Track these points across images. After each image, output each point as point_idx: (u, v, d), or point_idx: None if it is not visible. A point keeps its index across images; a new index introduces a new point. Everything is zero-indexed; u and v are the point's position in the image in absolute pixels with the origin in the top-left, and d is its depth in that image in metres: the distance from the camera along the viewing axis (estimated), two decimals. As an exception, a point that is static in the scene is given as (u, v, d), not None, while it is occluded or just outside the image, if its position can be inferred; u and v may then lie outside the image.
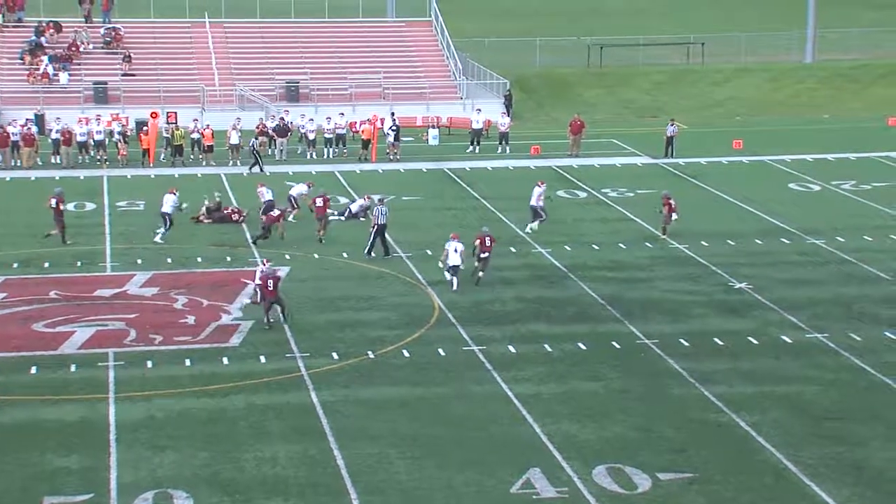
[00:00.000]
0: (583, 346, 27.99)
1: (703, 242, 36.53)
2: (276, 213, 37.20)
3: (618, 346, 28.00)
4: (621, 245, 36.52)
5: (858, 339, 28.30)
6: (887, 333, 28.63)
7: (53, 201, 36.55)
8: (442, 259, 32.62)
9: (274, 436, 23.22)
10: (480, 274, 32.71)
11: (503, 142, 50.77)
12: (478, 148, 50.52)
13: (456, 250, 32.30)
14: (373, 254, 35.12)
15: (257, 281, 30.03)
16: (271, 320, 29.42)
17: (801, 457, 22.22)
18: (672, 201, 37.66)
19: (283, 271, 32.42)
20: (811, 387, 25.56)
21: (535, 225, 37.86)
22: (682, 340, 28.30)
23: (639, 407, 24.59)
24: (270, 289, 29.31)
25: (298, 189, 40.24)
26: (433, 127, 53.49)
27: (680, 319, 29.86)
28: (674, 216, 37.22)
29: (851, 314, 30.10)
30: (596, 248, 36.28)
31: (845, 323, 29.41)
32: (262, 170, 46.24)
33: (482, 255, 32.67)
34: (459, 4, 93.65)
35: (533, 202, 37.92)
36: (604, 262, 34.88)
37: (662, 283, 32.92)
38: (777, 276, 33.32)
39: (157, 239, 36.75)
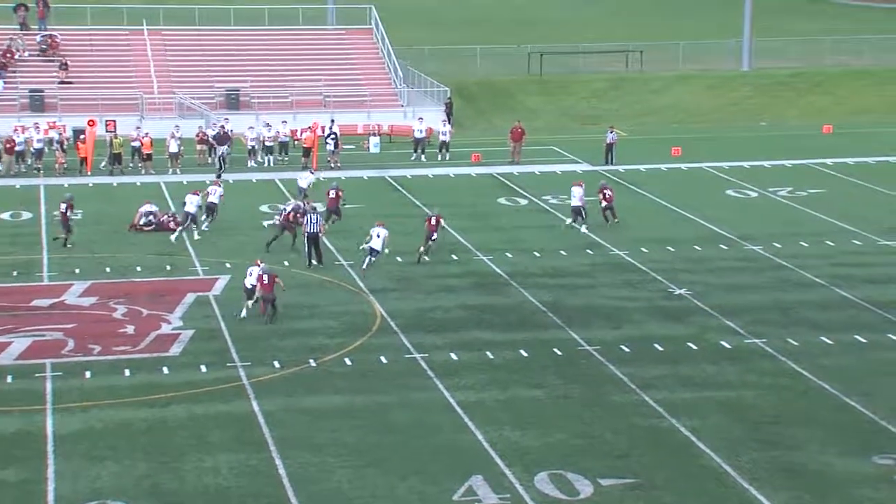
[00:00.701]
0: (524, 353, 28.09)
1: (642, 249, 36.81)
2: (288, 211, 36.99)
3: (559, 353, 28.12)
4: (562, 252, 36.70)
5: (795, 343, 28.65)
6: (823, 338, 29.00)
7: (63, 206, 36.92)
8: (365, 241, 34.17)
9: (215, 446, 23.05)
10: (424, 254, 34.79)
11: (444, 150, 50.86)
12: (423, 156, 50.57)
13: (378, 235, 34.05)
14: (314, 263, 34.99)
15: (253, 281, 30.21)
16: (270, 321, 29.79)
17: (740, 461, 22.45)
18: (608, 191, 38.97)
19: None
20: (750, 391, 25.83)
21: (582, 228, 38.69)
22: (622, 346, 28.49)
23: (580, 413, 24.71)
24: (266, 283, 29.73)
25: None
26: (374, 135, 53.46)
27: (621, 326, 30.06)
28: (603, 204, 38.92)
29: (788, 319, 30.46)
30: (537, 255, 36.44)
31: (783, 328, 29.75)
32: (219, 176, 45.44)
33: (432, 238, 35.26)
34: (400, 13, 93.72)
35: (575, 203, 38.85)
36: (545, 268, 35.03)
37: (603, 289, 33.13)
38: (716, 281, 33.65)
39: (204, 227, 38.06)
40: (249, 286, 30.58)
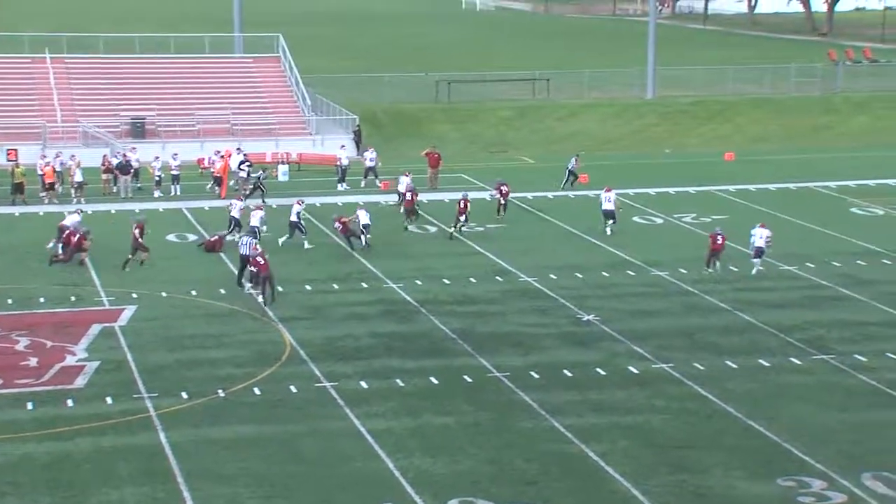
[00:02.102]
0: (435, 381, 28.11)
1: (551, 275, 37.10)
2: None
3: (469, 380, 28.19)
4: (472, 279, 36.84)
5: (701, 368, 29.06)
6: (728, 362, 29.46)
7: (136, 227, 37.53)
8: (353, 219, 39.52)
9: (121, 478, 22.69)
10: (457, 232, 41.42)
11: (370, 175, 50.96)
12: (346, 185, 50.43)
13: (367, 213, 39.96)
14: (244, 283, 34.92)
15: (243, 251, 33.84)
16: (266, 305, 32.49)
17: (648, 485, 22.68)
18: (504, 187, 42.63)
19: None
20: (657, 416, 26.13)
21: (608, 228, 42.17)
22: (532, 373, 28.65)
23: (490, 440, 24.78)
24: (263, 263, 32.49)
25: (404, 182, 45.06)
26: (283, 163, 53.25)
27: (530, 352, 30.23)
28: (502, 201, 42.84)
29: (694, 344, 30.89)
30: (447, 282, 36.53)
31: (689, 353, 30.17)
32: (263, 200, 46.03)
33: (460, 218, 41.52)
34: (307, 41, 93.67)
35: (608, 207, 42.21)
36: (455, 296, 35.13)
37: (513, 316, 33.31)
38: (623, 307, 34.02)
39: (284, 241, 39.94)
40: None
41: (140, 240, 37.56)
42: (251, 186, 47.84)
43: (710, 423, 25.83)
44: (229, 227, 40.78)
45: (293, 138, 58.07)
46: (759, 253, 37.87)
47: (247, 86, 63.68)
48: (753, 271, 37.71)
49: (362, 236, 39.93)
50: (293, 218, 40.41)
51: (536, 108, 72.01)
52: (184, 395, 27.03)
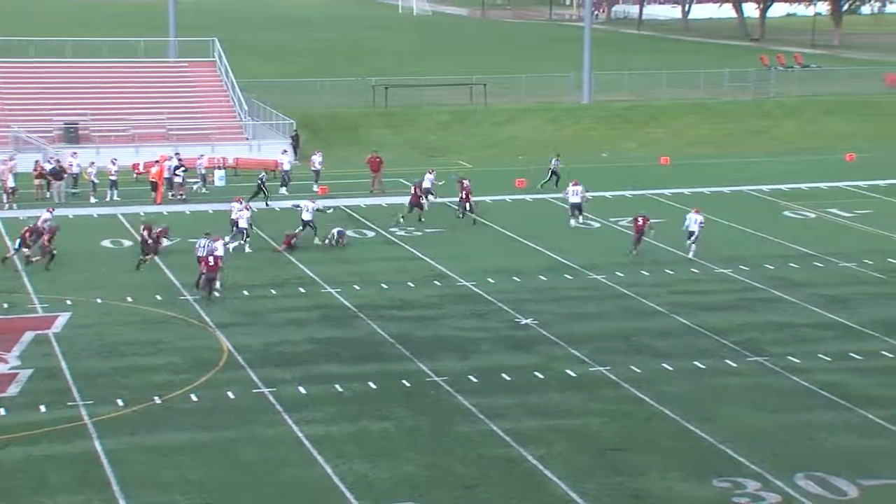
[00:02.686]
0: (373, 386, 28.08)
1: (489, 279, 37.21)
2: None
3: (408, 385, 28.19)
4: (410, 284, 36.85)
5: (638, 370, 29.29)
6: (664, 365, 29.72)
7: (143, 230, 38.21)
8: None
9: (55, 488, 22.42)
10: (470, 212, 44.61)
11: (317, 180, 50.80)
12: (286, 189, 50.28)
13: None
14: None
15: (200, 253, 34.42)
16: (211, 297, 33.09)
17: (585, 488, 22.82)
18: (466, 181, 45.27)
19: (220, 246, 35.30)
20: (595, 419, 26.29)
21: (573, 220, 44.64)
22: (470, 377, 28.71)
23: (429, 444, 24.80)
24: (212, 264, 32.85)
25: (429, 179, 47.21)
26: (219, 168, 52.91)
27: (469, 356, 30.30)
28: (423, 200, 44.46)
29: (631, 347, 31.13)
30: (385, 286, 36.51)
31: (625, 356, 30.39)
32: (266, 204, 46.90)
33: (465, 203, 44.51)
34: (243, 46, 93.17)
35: (575, 200, 44.54)
36: (393, 300, 35.12)
37: (451, 320, 33.36)
38: (561, 311, 34.20)
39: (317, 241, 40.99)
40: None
41: (149, 241, 37.89)
42: (256, 189, 47.75)
43: (646, 425, 26.04)
44: (234, 229, 40.72)
45: (229, 143, 57.73)
46: (692, 236, 39.72)
47: (182, 90, 63.21)
48: (690, 255, 39.45)
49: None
50: (307, 216, 41.18)
51: (474, 112, 72.20)
52: (119, 402, 26.77)
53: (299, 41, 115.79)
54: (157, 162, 49.74)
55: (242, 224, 40.42)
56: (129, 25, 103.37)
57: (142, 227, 38.86)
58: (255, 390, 27.75)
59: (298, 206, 42.40)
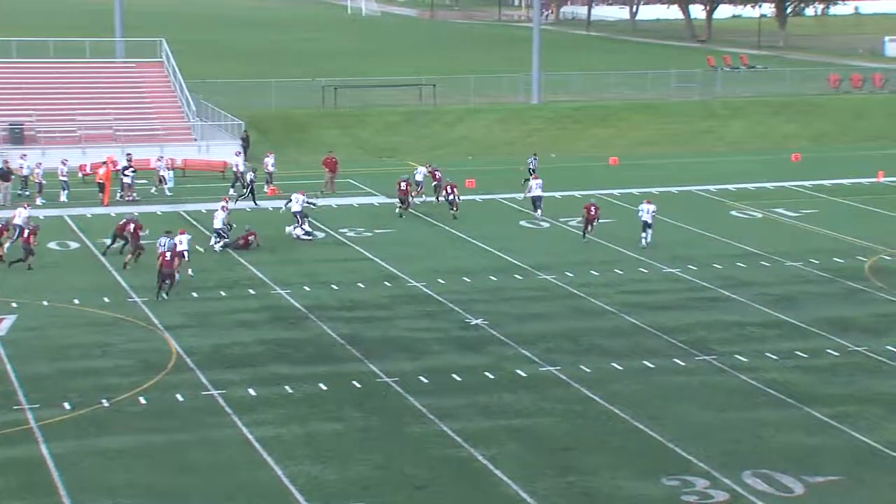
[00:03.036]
0: (324, 387, 28.02)
1: (439, 280, 37.24)
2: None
3: (358, 386, 28.16)
4: (360, 284, 36.81)
5: (588, 370, 29.43)
6: (614, 364, 29.89)
7: (131, 226, 38.37)
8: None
9: (0, 493, 22.15)
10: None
11: (269, 182, 50.69)
12: (244, 191, 50.06)
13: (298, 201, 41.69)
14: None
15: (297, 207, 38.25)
16: (165, 296, 33.66)
17: (536, 488, 22.91)
18: (449, 183, 46.93)
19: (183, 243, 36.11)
20: (545, 419, 26.39)
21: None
22: (421, 378, 28.73)
23: (380, 445, 24.79)
24: (168, 260, 33.46)
25: (421, 172, 48.92)
26: (168, 169, 52.55)
27: (419, 357, 30.31)
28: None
29: (581, 347, 31.28)
30: (335, 287, 36.44)
31: (575, 355, 30.53)
32: (255, 202, 47.22)
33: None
34: (191, 46, 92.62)
35: (537, 193, 46.11)
36: (343, 301, 35.06)
37: (401, 321, 33.36)
38: (511, 311, 34.30)
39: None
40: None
41: (139, 239, 38.27)
42: (246, 190, 48.00)
43: (596, 424, 26.18)
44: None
45: (177, 144, 57.35)
46: (646, 226, 41.32)
47: (129, 91, 62.71)
48: (644, 244, 41.02)
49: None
50: (296, 208, 42.37)
51: (423, 113, 72.25)
52: (66, 405, 26.52)
53: (248, 42, 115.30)
54: (103, 163, 49.32)
55: (217, 224, 40.54)
56: (76, 26, 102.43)
57: (132, 224, 38.79)
58: (204, 392, 27.60)
59: (290, 201, 43.23)
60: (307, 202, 43.40)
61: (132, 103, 61.50)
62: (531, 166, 52.18)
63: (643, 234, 41.40)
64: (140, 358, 29.83)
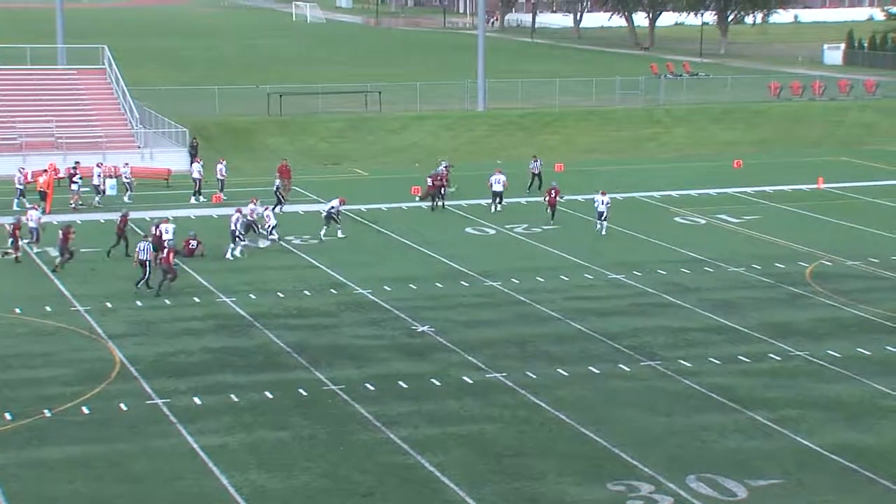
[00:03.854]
0: (269, 395, 27.91)
1: (385, 287, 37.22)
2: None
3: (305, 394, 28.07)
4: (306, 292, 36.70)
5: (534, 376, 29.53)
6: (559, 370, 30.02)
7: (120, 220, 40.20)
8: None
9: (-58, 505, 21.89)
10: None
11: (222, 189, 50.54)
12: (200, 198, 49.77)
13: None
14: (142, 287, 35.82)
15: (142, 256, 35.66)
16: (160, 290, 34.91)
17: (482, 494, 22.95)
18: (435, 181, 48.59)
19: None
20: (492, 425, 26.45)
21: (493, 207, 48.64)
22: (367, 385, 28.69)
23: (326, 453, 24.73)
24: (165, 256, 34.90)
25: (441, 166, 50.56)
26: (110, 177, 52.11)
27: (365, 364, 30.27)
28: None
29: (527, 353, 31.38)
30: (281, 295, 36.30)
31: (521, 361, 30.62)
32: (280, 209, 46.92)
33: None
34: (134, 53, 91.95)
35: (497, 188, 48.33)
36: (289, 309, 34.93)
37: (348, 328, 33.30)
38: (457, 318, 34.34)
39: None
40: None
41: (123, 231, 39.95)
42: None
43: (542, 430, 26.28)
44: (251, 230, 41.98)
45: (121, 151, 56.87)
46: (602, 216, 44.62)
47: (71, 98, 62.15)
48: (603, 232, 44.48)
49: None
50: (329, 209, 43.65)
51: (369, 120, 72.20)
52: (7, 415, 26.22)
53: (192, 49, 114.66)
54: (45, 171, 48.84)
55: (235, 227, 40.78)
56: (17, 32, 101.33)
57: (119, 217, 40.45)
58: (148, 402, 27.39)
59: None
60: (258, 214, 43.13)
61: (74, 110, 60.95)
62: (532, 170, 53.50)
63: (599, 224, 44.51)
64: (83, 367, 29.55)
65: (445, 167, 51.50)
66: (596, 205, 44.84)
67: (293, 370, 29.72)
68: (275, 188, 48.19)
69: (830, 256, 41.59)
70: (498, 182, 48.41)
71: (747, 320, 34.17)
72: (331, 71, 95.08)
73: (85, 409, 26.79)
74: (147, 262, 36.04)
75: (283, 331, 32.79)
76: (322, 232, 43.48)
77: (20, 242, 39.78)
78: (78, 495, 22.47)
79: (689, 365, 30.40)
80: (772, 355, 31.25)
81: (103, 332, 32.29)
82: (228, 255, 40.57)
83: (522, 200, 51.32)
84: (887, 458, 24.72)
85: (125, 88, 62.25)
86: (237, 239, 40.82)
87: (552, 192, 46.67)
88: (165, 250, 36.39)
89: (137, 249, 36.43)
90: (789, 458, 24.72)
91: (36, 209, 42.62)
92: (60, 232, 38.71)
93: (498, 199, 48.51)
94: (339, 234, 43.59)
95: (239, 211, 41.71)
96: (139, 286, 36.04)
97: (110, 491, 22.74)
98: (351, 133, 69.00)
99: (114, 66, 63.32)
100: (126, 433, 25.57)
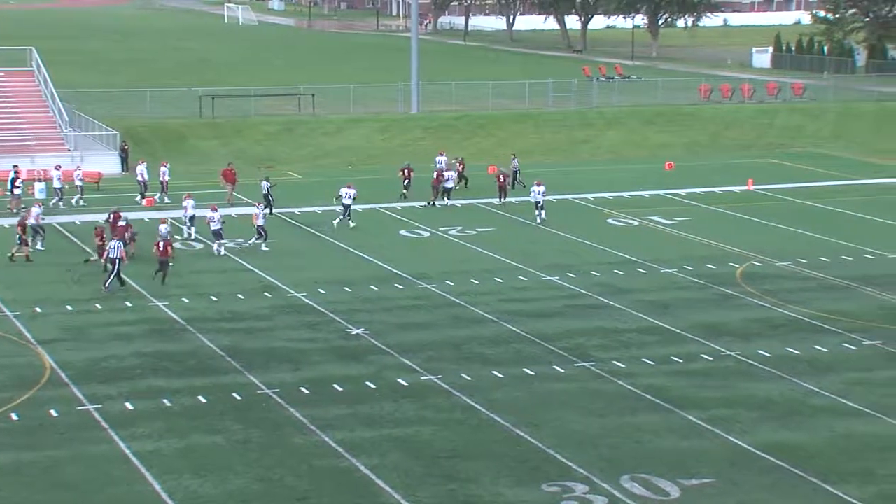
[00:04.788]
0: (203, 399, 27.71)
1: (320, 290, 37.10)
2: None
3: (239, 398, 27.90)
4: (240, 295, 36.49)
5: (469, 378, 29.60)
6: (494, 372, 30.11)
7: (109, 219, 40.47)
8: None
9: None
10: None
11: (164, 191, 50.17)
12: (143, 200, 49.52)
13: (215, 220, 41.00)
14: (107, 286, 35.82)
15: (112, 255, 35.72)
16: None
17: (418, 496, 22.96)
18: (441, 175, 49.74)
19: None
20: (427, 427, 26.47)
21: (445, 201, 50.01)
22: (302, 388, 28.59)
23: (261, 457, 24.60)
24: (162, 249, 36.13)
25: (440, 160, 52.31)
26: (39, 180, 51.43)
27: (300, 368, 30.16)
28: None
29: (462, 355, 31.44)
30: (214, 299, 36.05)
31: (456, 364, 30.68)
32: (271, 212, 46.27)
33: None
34: (63, 55, 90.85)
35: (448, 185, 50.28)
36: (222, 313, 34.70)
37: (282, 332, 33.15)
38: (392, 320, 34.33)
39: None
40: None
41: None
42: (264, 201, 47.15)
43: (477, 432, 26.34)
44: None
45: (50, 154, 56.10)
46: (538, 205, 46.88)
47: (-2, 100, 61.26)
48: (538, 220, 46.58)
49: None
50: (346, 201, 45.34)
51: (303, 123, 71.94)
52: (-65, 424, 25.80)
53: (122, 51, 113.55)
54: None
55: (215, 226, 41.08)
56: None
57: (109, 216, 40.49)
58: (79, 407, 27.08)
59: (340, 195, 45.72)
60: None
61: (1, 114, 60.02)
62: (514, 168, 54.83)
63: (537, 213, 46.77)
64: (12, 373, 29.14)
65: (457, 161, 54.02)
66: (532, 195, 47.04)
67: (227, 374, 29.53)
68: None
69: (760, 257, 42.14)
70: (449, 179, 50.37)
71: (680, 321, 34.51)
72: (264, 73, 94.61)
73: (14, 416, 26.42)
74: (117, 261, 36.06)
75: (217, 335, 32.56)
76: (336, 221, 45.63)
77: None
78: (8, 503, 22.15)
79: (622, 366, 30.64)
80: (704, 355, 31.59)
81: (33, 338, 31.85)
82: (216, 251, 41.27)
83: (457, 203, 51.35)
84: (816, 456, 25.10)
85: (54, 91, 61.46)
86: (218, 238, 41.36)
87: (501, 176, 50.19)
88: (161, 243, 37.31)
89: (108, 248, 36.53)
90: (721, 458, 25.00)
91: (40, 206, 42.86)
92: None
93: (448, 197, 50.10)
94: (351, 224, 45.61)
95: (214, 209, 41.91)
96: (108, 285, 35.99)
97: (41, 498, 22.44)
98: (284, 136, 68.71)
99: (42, 68, 62.49)
100: (57, 439, 25.25)
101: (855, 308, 35.81)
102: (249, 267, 40.01)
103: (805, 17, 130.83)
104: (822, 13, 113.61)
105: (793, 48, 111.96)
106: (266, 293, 36.89)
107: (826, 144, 70.30)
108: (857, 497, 23.16)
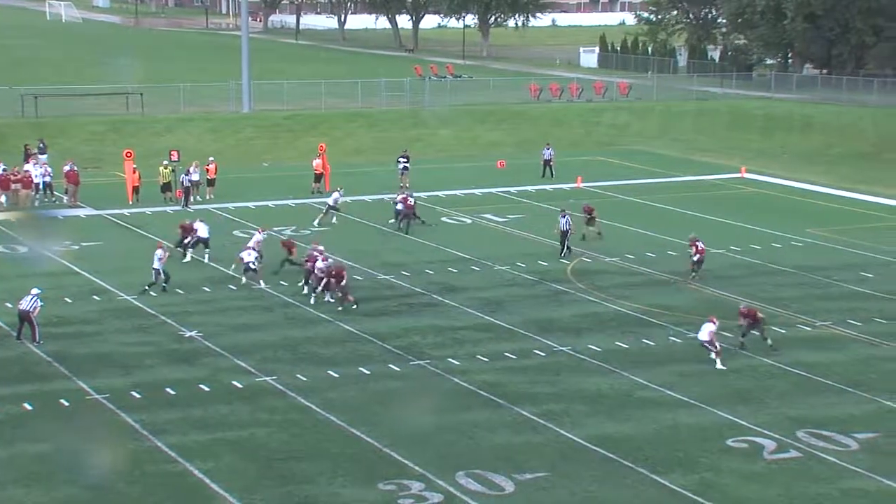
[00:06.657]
0: (29, 407, 26.94)
1: (151, 292, 36.42)
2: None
3: (67, 404, 27.22)
4: (67, 299, 35.58)
5: (304, 379, 29.49)
6: (330, 372, 30.07)
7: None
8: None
9: None
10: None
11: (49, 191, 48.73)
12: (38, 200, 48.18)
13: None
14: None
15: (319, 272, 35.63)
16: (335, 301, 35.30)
17: (254, 499, 22.80)
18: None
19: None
20: (262, 429, 26.28)
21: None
22: (134, 393, 28.06)
23: (91, 465, 24.05)
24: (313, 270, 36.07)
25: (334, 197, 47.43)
26: None
27: (131, 372, 29.58)
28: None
29: (297, 356, 31.29)
30: (40, 303, 34.99)
31: (292, 364, 30.53)
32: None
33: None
34: None
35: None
36: (49, 318, 33.74)
37: (112, 335, 32.47)
38: (226, 322, 33.94)
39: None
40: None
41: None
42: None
43: (313, 432, 26.27)
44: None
45: None
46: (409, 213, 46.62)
47: None
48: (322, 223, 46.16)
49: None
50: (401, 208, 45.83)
51: (131, 122, 70.48)
52: None
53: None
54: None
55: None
56: None
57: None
58: None
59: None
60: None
61: None
62: (546, 157, 56.61)
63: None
64: None
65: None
66: (395, 204, 47.03)
67: (54, 380, 28.78)
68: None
69: (589, 254, 43.03)
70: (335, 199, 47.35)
71: (513, 317, 35.01)
72: (90, 72, 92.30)
73: None
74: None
75: (43, 340, 31.65)
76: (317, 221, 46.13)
77: None
78: None
79: (457, 363, 30.94)
80: (536, 351, 32.13)
81: None
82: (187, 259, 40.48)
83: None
84: (644, 447, 25.79)
85: None
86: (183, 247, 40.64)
87: (409, 199, 46.75)
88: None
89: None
90: (554, 452, 25.48)
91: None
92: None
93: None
94: (333, 221, 46.37)
95: (201, 221, 41.72)
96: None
97: None
98: (112, 136, 67.17)
99: None
100: None
101: (680, 302, 36.90)
102: (77, 270, 39.04)
103: (629, 19, 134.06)
104: (645, 14, 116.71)
105: (618, 48, 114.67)
106: (94, 296, 36.08)
107: (651, 142, 72.26)
108: (682, 485, 23.91)
